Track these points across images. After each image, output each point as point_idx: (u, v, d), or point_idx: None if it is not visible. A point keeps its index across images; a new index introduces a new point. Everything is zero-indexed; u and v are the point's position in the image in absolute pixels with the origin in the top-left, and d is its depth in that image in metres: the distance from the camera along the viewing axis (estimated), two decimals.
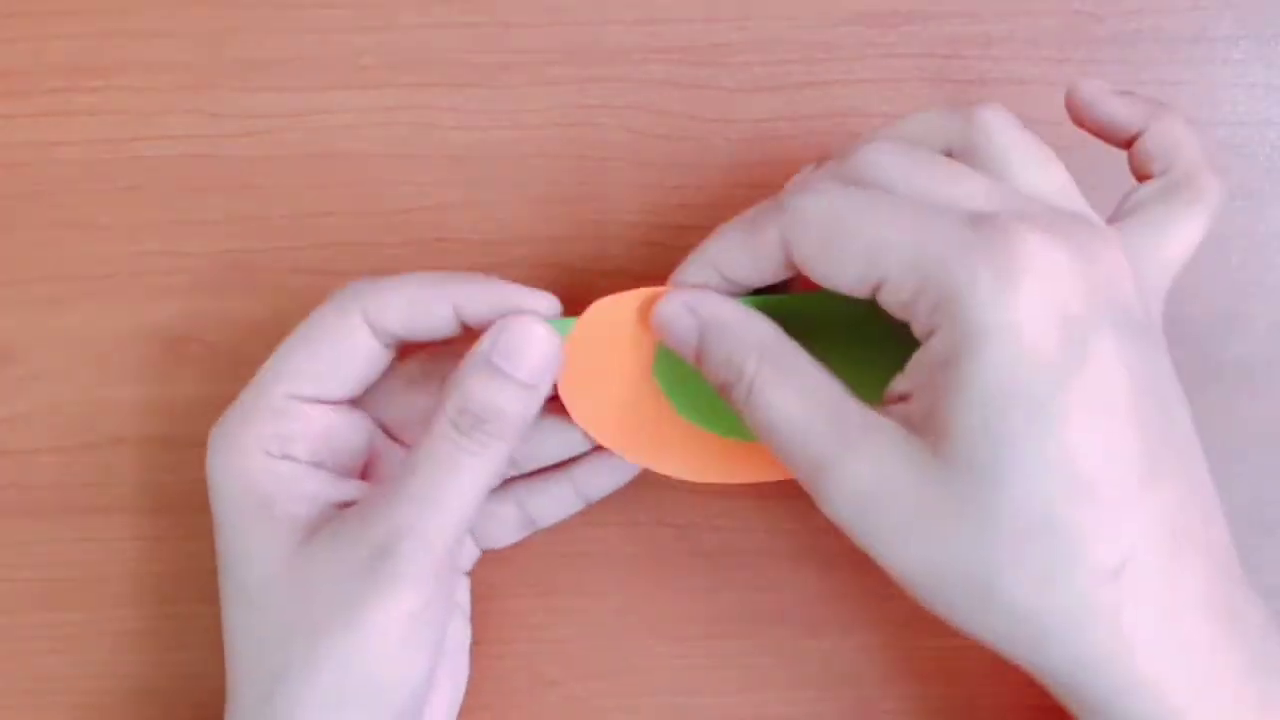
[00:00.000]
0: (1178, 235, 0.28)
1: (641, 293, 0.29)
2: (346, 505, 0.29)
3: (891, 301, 0.25)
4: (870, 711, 0.34)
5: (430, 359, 0.32)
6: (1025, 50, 0.35)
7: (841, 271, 0.25)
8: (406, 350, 0.31)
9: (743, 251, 0.27)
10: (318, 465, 0.30)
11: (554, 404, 0.30)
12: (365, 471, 0.32)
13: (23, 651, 0.34)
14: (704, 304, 0.28)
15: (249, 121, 0.35)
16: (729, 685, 0.34)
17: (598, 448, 0.32)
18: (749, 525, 0.34)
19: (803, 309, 0.29)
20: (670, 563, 0.34)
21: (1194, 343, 0.34)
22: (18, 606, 0.34)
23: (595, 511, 0.33)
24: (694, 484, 0.34)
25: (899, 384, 0.26)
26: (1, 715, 0.34)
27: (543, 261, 0.34)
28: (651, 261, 0.34)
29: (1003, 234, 0.24)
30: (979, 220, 0.24)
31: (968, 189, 0.25)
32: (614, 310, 0.30)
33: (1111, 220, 0.29)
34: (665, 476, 0.33)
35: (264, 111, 0.34)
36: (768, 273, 0.27)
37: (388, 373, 0.31)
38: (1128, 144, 0.30)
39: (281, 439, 0.29)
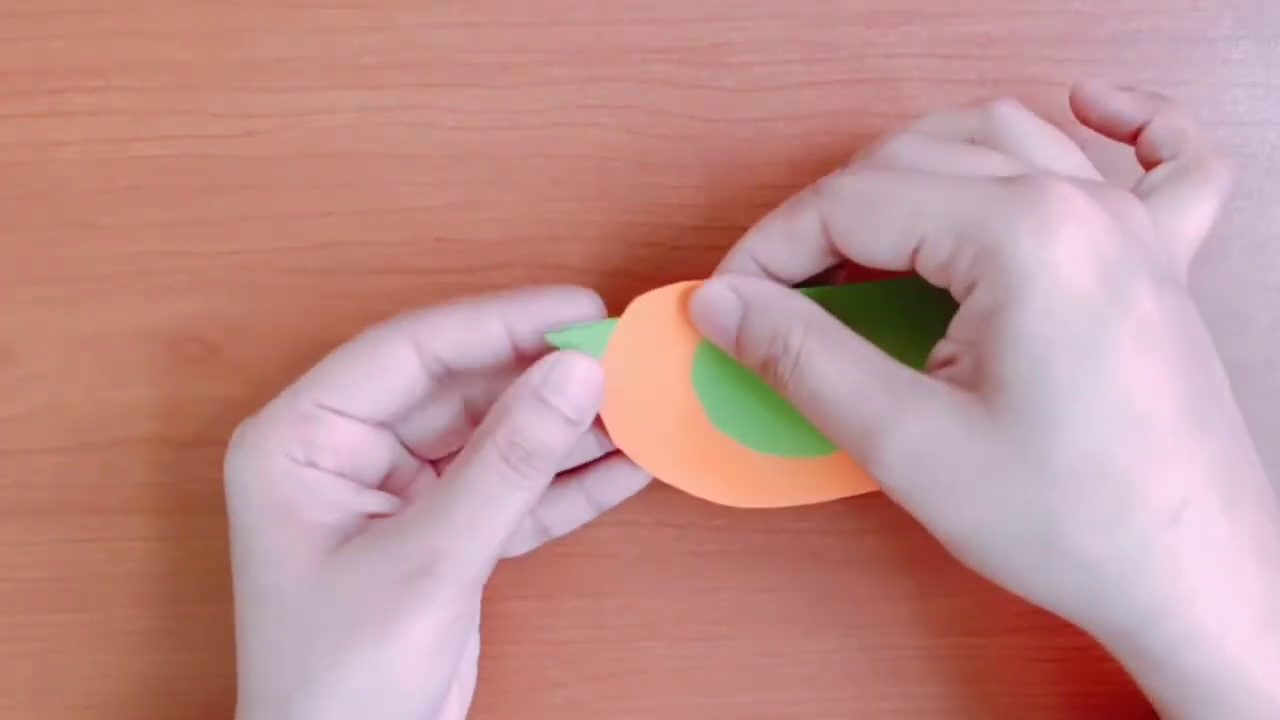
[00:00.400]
0: (1193, 214, 0.29)
1: (680, 286, 0.29)
2: (369, 515, 0.29)
3: (930, 263, 0.25)
4: (870, 711, 0.34)
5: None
6: (1025, 50, 0.35)
7: (879, 241, 0.26)
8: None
9: (782, 241, 0.28)
10: (342, 476, 0.30)
11: None
12: (383, 482, 0.32)
13: (23, 651, 0.34)
14: (746, 284, 0.28)
15: (249, 121, 0.34)
16: (729, 685, 0.34)
17: (610, 454, 0.31)
18: (749, 525, 0.34)
19: (843, 301, 0.29)
20: (670, 563, 0.34)
21: None
22: (18, 606, 0.34)
23: None
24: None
25: (942, 350, 0.26)
26: (1, 715, 0.34)
27: (543, 261, 0.34)
28: (652, 262, 0.34)
29: (1036, 187, 0.24)
30: (1012, 179, 0.25)
31: (992, 162, 0.26)
32: (654, 306, 0.30)
33: None
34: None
35: (264, 111, 0.34)
36: (807, 260, 0.28)
37: (415, 409, 0.31)
38: (1133, 137, 0.31)
39: (306, 445, 0.29)
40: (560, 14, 0.35)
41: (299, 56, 0.35)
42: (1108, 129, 0.31)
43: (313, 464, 0.29)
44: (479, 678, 0.32)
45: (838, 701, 0.34)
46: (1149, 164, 0.30)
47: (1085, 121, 0.31)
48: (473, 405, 0.32)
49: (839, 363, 0.26)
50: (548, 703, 0.34)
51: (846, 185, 0.26)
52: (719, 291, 0.28)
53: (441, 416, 0.31)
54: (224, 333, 0.34)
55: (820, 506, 0.34)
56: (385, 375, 0.29)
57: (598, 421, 0.30)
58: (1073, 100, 0.31)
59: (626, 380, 0.30)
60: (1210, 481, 0.24)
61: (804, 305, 0.27)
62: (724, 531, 0.34)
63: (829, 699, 0.34)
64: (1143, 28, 0.35)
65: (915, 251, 0.25)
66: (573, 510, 0.32)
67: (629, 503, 0.34)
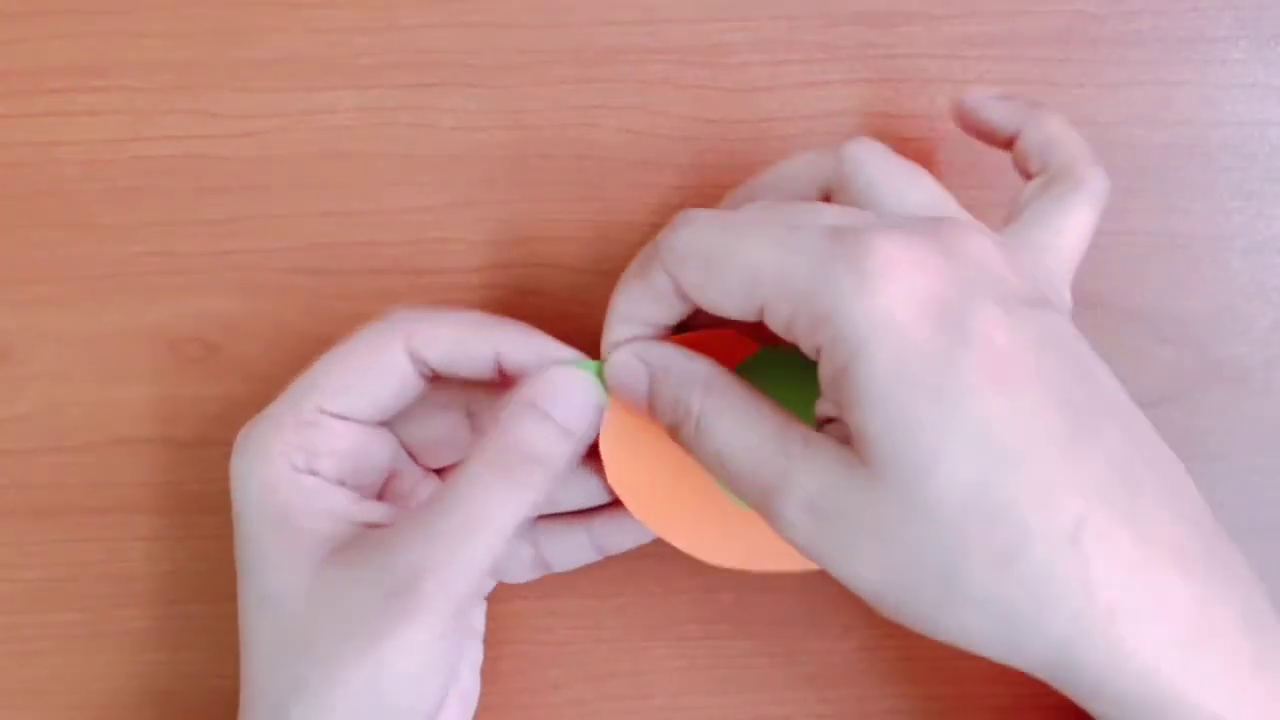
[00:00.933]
0: (1065, 226, 0.29)
1: (686, 336, 0.29)
2: (368, 525, 0.29)
3: (776, 325, 0.25)
4: (870, 711, 0.34)
5: (455, 382, 0.31)
6: (1025, 50, 0.35)
7: (728, 299, 0.26)
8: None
9: (645, 299, 0.28)
10: (341, 483, 0.30)
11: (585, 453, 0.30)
12: (384, 489, 0.32)
13: (23, 651, 0.34)
14: (650, 349, 0.28)
15: (249, 121, 0.34)
16: (729, 686, 0.34)
17: (617, 501, 0.31)
18: None
19: (768, 359, 0.29)
20: (670, 563, 0.34)
21: (1194, 343, 0.34)
22: (18, 606, 0.34)
23: None
24: None
25: (822, 407, 0.26)
26: (1, 715, 0.34)
27: (543, 261, 0.34)
28: None
29: (856, 240, 0.24)
30: (836, 232, 0.24)
31: (825, 214, 0.26)
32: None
33: (1008, 222, 0.30)
34: None
35: (264, 111, 0.34)
36: (673, 311, 0.28)
37: (409, 407, 0.31)
38: (1008, 145, 0.31)
39: (307, 452, 0.29)
40: (560, 14, 0.35)
41: (299, 56, 0.35)
42: (984, 138, 0.32)
43: (314, 471, 0.29)
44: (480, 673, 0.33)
45: (837, 702, 0.34)
46: (1026, 176, 0.30)
47: (966, 131, 0.32)
48: (476, 414, 0.32)
49: (735, 423, 0.26)
50: (548, 703, 0.34)
51: (685, 243, 0.26)
52: (626, 360, 0.28)
53: (444, 424, 0.31)
54: (224, 333, 0.34)
55: None
56: (382, 377, 0.29)
57: (602, 468, 0.30)
58: (954, 111, 0.32)
59: (625, 427, 0.30)
60: (1105, 495, 0.23)
61: (702, 367, 0.27)
62: None
63: (829, 699, 0.34)
64: (1143, 28, 0.35)
65: (761, 311, 0.25)
66: (575, 550, 0.32)
67: None
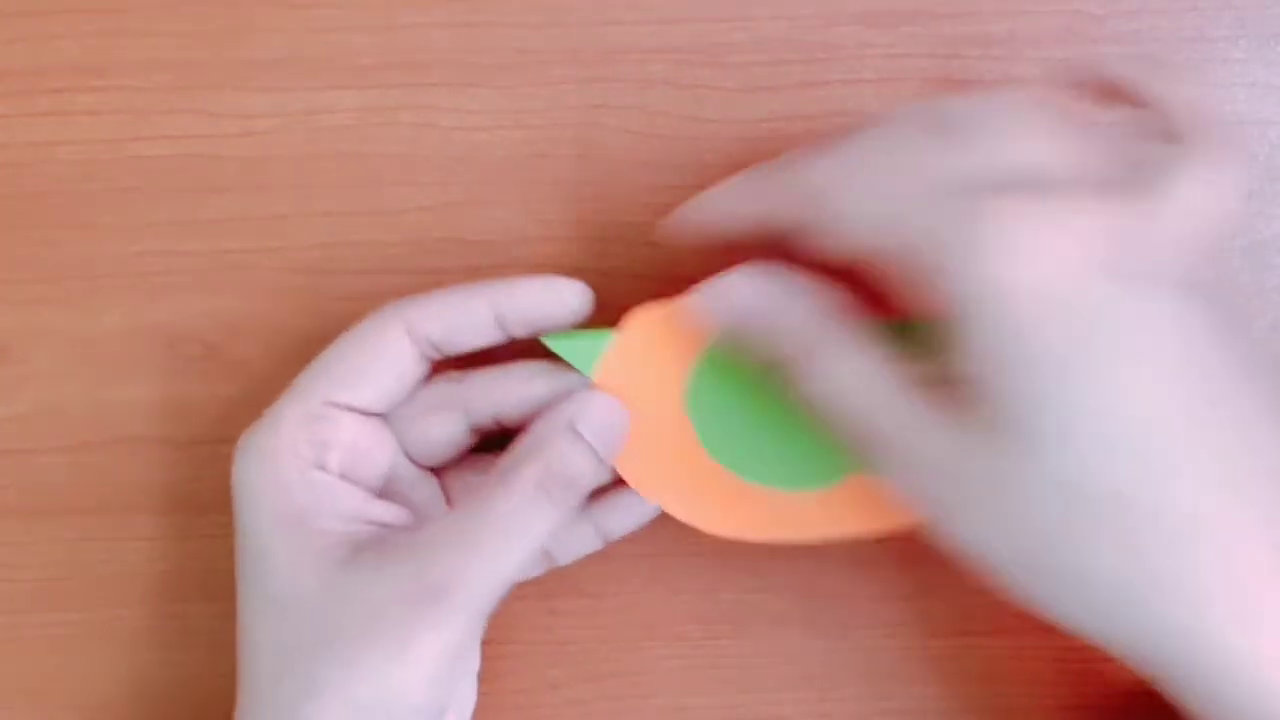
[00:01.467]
0: (1213, 194, 0.25)
1: (678, 302, 0.29)
2: (379, 525, 0.29)
3: (903, 267, 0.25)
4: (870, 711, 0.34)
5: (452, 384, 0.31)
6: (1025, 50, 0.35)
7: (856, 226, 0.25)
8: (437, 369, 0.31)
9: (749, 198, 0.28)
10: (348, 480, 0.30)
11: None
12: (384, 487, 0.32)
13: (23, 651, 0.34)
14: (779, 276, 0.28)
15: (249, 121, 0.34)
16: (729, 685, 0.34)
17: (616, 483, 0.31)
18: None
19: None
20: (670, 563, 0.34)
21: None
22: (18, 606, 0.34)
23: None
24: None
25: (931, 375, 0.26)
26: (1, 715, 0.34)
27: (543, 262, 0.34)
28: (652, 262, 0.34)
29: (1008, 200, 0.23)
30: (995, 188, 0.23)
31: (1004, 152, 0.25)
32: (651, 322, 0.30)
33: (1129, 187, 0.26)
34: None
35: (264, 111, 0.34)
36: (761, 223, 0.27)
37: (409, 396, 0.31)
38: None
39: (316, 445, 0.29)
40: (560, 14, 0.35)
41: (299, 56, 0.35)
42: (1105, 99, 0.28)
43: (322, 466, 0.29)
44: (478, 677, 0.32)
45: (837, 702, 0.34)
46: (1153, 140, 0.26)
47: (1075, 89, 0.28)
48: (474, 414, 0.31)
49: (859, 369, 0.26)
50: (548, 703, 0.34)
51: (830, 168, 0.26)
52: (756, 278, 0.28)
53: (443, 428, 0.31)
54: (224, 333, 0.34)
55: None
56: (385, 362, 0.30)
57: None
58: (1063, 71, 0.29)
59: (622, 398, 0.30)
60: (1244, 493, 0.23)
61: (824, 313, 0.27)
62: None
63: (829, 699, 0.34)
64: (1143, 28, 0.35)
65: (884, 257, 0.25)
66: (580, 540, 0.32)
67: None
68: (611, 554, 0.34)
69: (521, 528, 0.28)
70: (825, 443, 0.29)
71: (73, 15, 0.34)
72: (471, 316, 0.30)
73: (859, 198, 0.25)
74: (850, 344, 0.26)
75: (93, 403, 0.34)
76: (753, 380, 0.30)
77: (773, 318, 0.28)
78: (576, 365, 0.30)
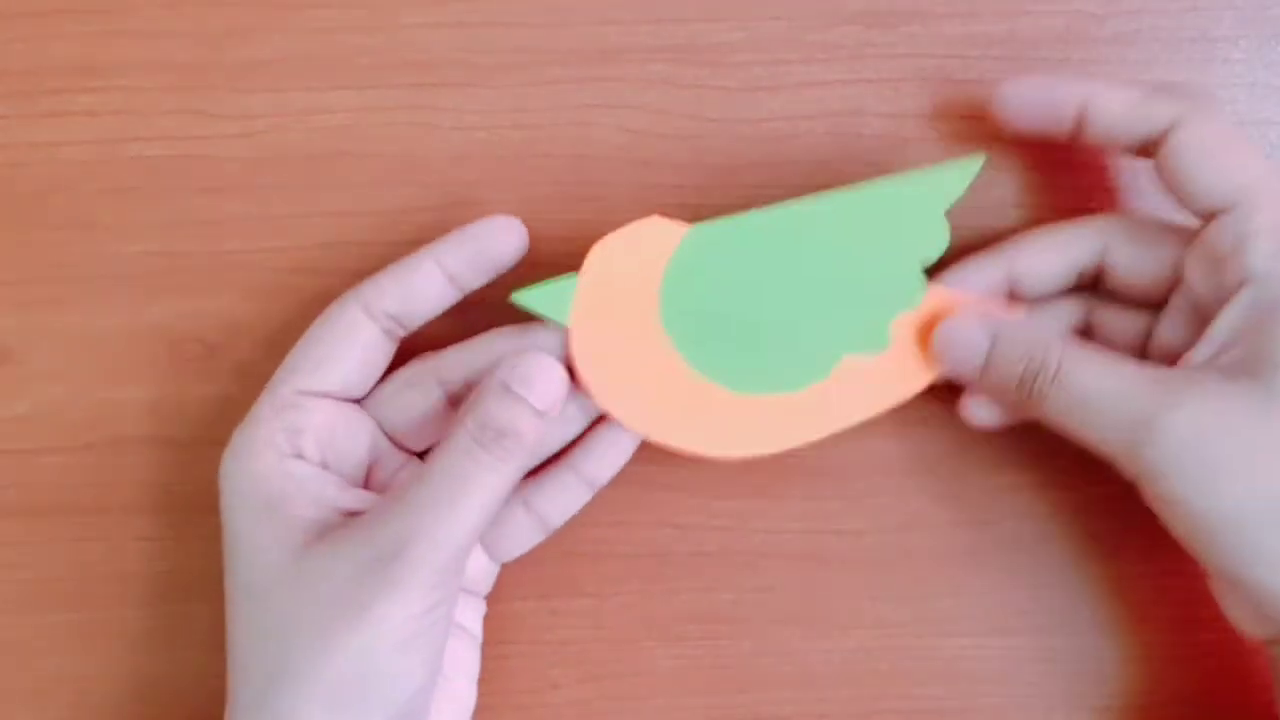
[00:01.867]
0: None
1: (633, 225, 0.31)
2: (353, 514, 0.30)
3: (1237, 227, 0.28)
4: (870, 711, 0.34)
5: (426, 361, 0.32)
6: (1025, 50, 0.35)
7: (1211, 177, 0.28)
8: (405, 352, 0.32)
9: (1125, 108, 0.30)
10: (325, 467, 0.30)
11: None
12: (368, 479, 0.32)
13: (23, 651, 0.34)
14: (994, 317, 0.31)
15: (249, 121, 0.35)
16: (729, 685, 0.34)
17: (593, 425, 0.32)
18: (749, 525, 0.34)
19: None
20: (670, 563, 0.34)
21: None
22: (18, 606, 0.34)
23: (595, 512, 0.33)
24: (695, 486, 0.34)
25: (1204, 349, 0.28)
26: (1, 715, 0.34)
27: (543, 261, 0.34)
28: None
29: None
30: None
31: None
32: (611, 253, 0.31)
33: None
34: (666, 478, 0.34)
35: (264, 111, 0.34)
36: (1127, 136, 0.30)
37: (386, 376, 0.32)
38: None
39: (289, 433, 0.30)
40: (560, 14, 0.35)
41: (299, 56, 0.35)
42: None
43: (299, 455, 0.30)
44: (479, 678, 0.32)
45: (838, 702, 0.34)
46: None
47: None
48: (452, 392, 0.32)
49: (1102, 369, 0.29)
50: (548, 703, 0.34)
51: (1216, 115, 0.29)
52: (968, 326, 0.31)
53: (420, 404, 0.32)
54: (224, 333, 0.34)
55: (821, 507, 0.34)
56: (348, 345, 0.30)
57: (579, 384, 0.31)
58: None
59: (599, 335, 0.31)
60: None
61: (1052, 327, 0.31)
62: (724, 531, 0.34)
63: (829, 699, 0.34)
64: (1143, 28, 0.35)
65: (1224, 209, 0.28)
66: (567, 495, 0.32)
67: (629, 503, 0.34)
68: (611, 554, 0.34)
69: (462, 482, 0.28)
70: (808, 335, 0.31)
71: (73, 15, 0.34)
72: (421, 279, 0.31)
73: (1253, 160, 0.29)
74: (1086, 352, 0.29)
75: (93, 403, 0.34)
76: (725, 287, 0.31)
77: (996, 348, 0.30)
78: (551, 315, 0.31)
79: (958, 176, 0.31)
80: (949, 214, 0.31)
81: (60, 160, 0.35)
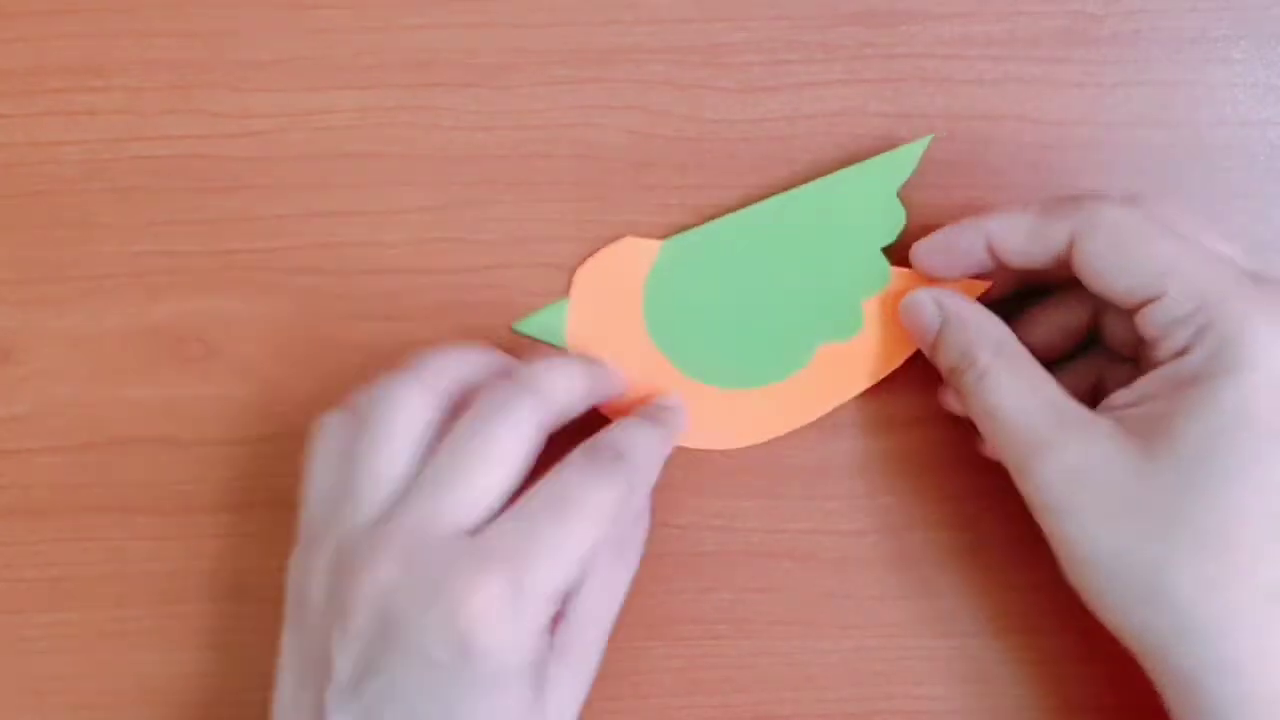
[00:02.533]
0: None
1: (611, 247, 0.33)
2: None
3: (1159, 317, 0.28)
4: (870, 712, 0.34)
5: None
6: (1025, 50, 0.35)
7: (1120, 278, 0.28)
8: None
9: (1025, 234, 0.30)
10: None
11: None
12: None
13: (23, 651, 0.34)
14: (949, 299, 0.31)
15: (249, 121, 0.34)
16: (729, 685, 0.34)
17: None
18: (749, 525, 0.34)
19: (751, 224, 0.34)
20: (670, 563, 0.34)
21: None
22: (18, 606, 0.34)
23: None
24: (693, 486, 0.34)
25: (1121, 396, 0.29)
26: (1, 715, 0.34)
27: (543, 261, 0.34)
28: None
29: (1273, 295, 0.27)
30: (1259, 277, 0.28)
31: (1232, 251, 0.29)
32: (594, 273, 0.34)
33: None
34: (665, 479, 0.33)
35: (264, 111, 0.34)
36: (1038, 258, 0.30)
37: None
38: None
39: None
40: (560, 14, 0.35)
41: (299, 56, 0.35)
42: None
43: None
44: None
45: (837, 702, 0.34)
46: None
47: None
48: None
49: (1019, 384, 0.29)
50: None
51: (1110, 214, 0.28)
52: (924, 301, 0.31)
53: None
54: (224, 333, 0.34)
55: (820, 507, 0.34)
56: (525, 460, 0.29)
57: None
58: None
59: (594, 351, 0.33)
60: None
61: (998, 330, 0.30)
62: (724, 531, 0.34)
63: (829, 699, 0.34)
64: (1143, 28, 0.35)
65: (1147, 300, 0.28)
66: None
67: None
68: None
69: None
70: (785, 328, 0.33)
71: (73, 15, 0.34)
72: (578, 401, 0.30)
73: (1168, 252, 0.28)
74: (1016, 365, 0.30)
75: (93, 403, 0.34)
76: (703, 292, 0.33)
77: (943, 332, 0.31)
78: (549, 340, 0.34)
79: (906, 158, 0.33)
80: (902, 195, 0.33)
81: (60, 160, 0.35)
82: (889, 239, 0.33)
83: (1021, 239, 0.30)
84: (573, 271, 0.34)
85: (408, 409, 0.29)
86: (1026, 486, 0.29)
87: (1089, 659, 0.34)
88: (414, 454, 0.28)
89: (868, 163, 0.33)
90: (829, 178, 0.33)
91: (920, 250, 0.32)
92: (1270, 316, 0.27)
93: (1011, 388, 0.29)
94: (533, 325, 0.34)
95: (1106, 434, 0.28)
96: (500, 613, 0.26)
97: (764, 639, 0.34)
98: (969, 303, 0.31)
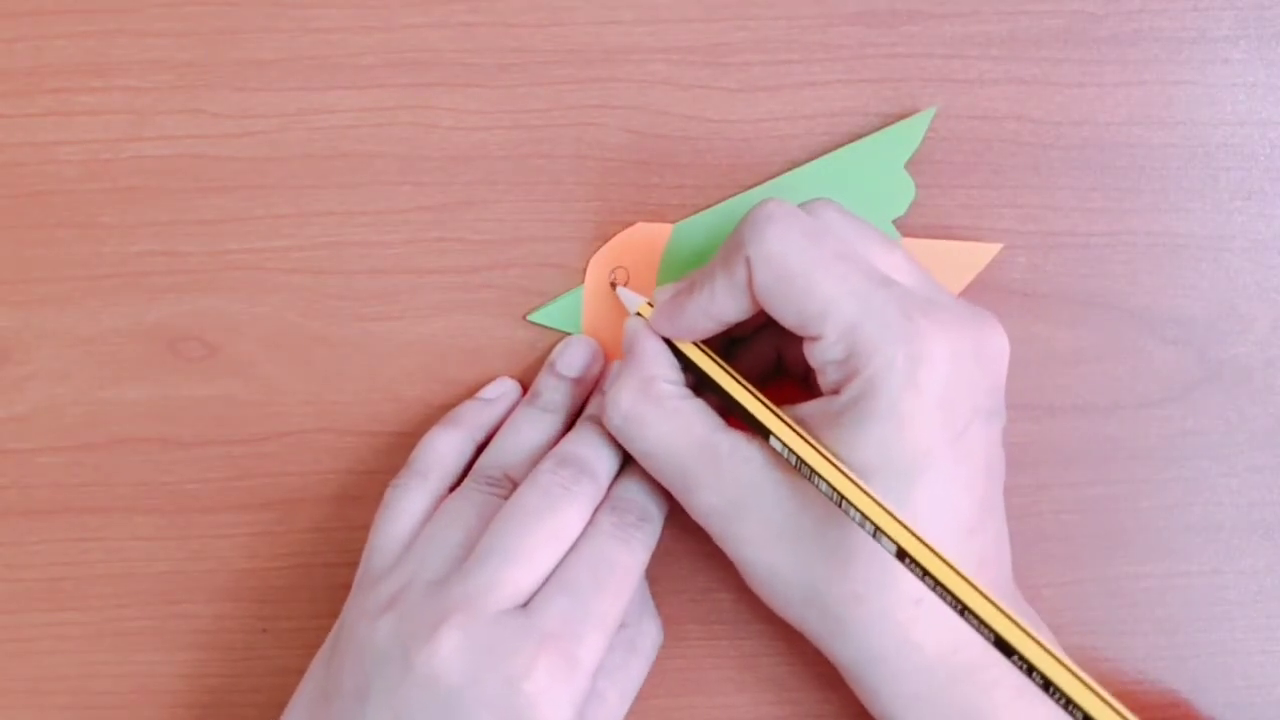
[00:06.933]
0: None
1: (624, 234, 0.34)
2: None
3: (818, 356, 0.29)
4: (869, 712, 0.34)
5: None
6: (1025, 50, 0.35)
7: (789, 313, 0.29)
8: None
9: (724, 295, 0.30)
10: None
11: None
12: None
13: (23, 651, 0.34)
14: (634, 334, 0.32)
15: (249, 121, 0.34)
16: (729, 685, 0.34)
17: None
18: None
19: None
20: (670, 563, 0.34)
21: (1194, 343, 0.34)
22: (18, 606, 0.34)
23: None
24: None
25: (791, 412, 0.30)
26: (1, 715, 0.34)
27: (543, 261, 0.34)
28: None
29: (921, 324, 0.28)
30: (908, 309, 0.28)
31: (901, 271, 0.30)
32: (607, 260, 0.34)
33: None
34: None
35: (264, 111, 0.34)
36: (748, 303, 0.30)
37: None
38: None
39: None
40: (560, 14, 0.35)
41: (299, 56, 0.35)
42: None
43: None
44: None
45: (838, 702, 0.34)
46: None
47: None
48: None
49: (663, 430, 0.30)
50: None
51: (771, 246, 0.29)
52: (626, 328, 0.32)
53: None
54: (224, 333, 0.34)
55: None
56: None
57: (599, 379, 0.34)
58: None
59: (610, 336, 0.34)
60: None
61: (659, 369, 0.31)
62: None
63: (829, 699, 0.34)
64: (1142, 28, 0.35)
65: (810, 338, 0.29)
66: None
67: None
68: None
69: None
70: None
71: (73, 15, 0.34)
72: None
73: (826, 292, 0.28)
74: (660, 411, 0.30)
75: (93, 403, 0.34)
76: None
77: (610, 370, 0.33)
78: (564, 328, 0.34)
79: (912, 130, 0.33)
80: (909, 168, 0.34)
81: (60, 160, 0.35)
82: (899, 211, 0.34)
83: (727, 303, 0.30)
84: (573, 271, 0.34)
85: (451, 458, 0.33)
86: (693, 515, 0.30)
87: (1086, 658, 0.34)
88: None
89: (874, 136, 0.34)
90: (837, 152, 0.34)
91: (653, 319, 0.32)
92: (914, 360, 0.28)
93: (657, 434, 0.30)
94: (547, 315, 0.34)
95: (759, 466, 0.29)
96: (557, 689, 0.28)
97: (764, 639, 0.34)
98: (652, 339, 0.31)
